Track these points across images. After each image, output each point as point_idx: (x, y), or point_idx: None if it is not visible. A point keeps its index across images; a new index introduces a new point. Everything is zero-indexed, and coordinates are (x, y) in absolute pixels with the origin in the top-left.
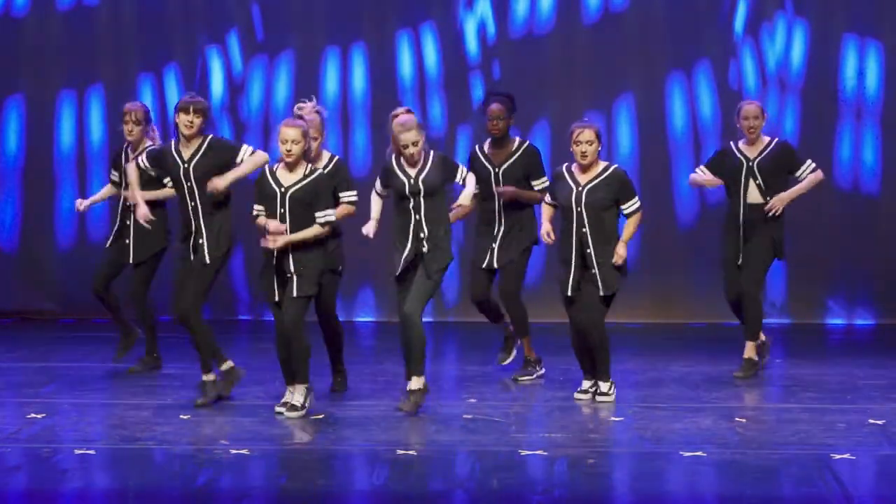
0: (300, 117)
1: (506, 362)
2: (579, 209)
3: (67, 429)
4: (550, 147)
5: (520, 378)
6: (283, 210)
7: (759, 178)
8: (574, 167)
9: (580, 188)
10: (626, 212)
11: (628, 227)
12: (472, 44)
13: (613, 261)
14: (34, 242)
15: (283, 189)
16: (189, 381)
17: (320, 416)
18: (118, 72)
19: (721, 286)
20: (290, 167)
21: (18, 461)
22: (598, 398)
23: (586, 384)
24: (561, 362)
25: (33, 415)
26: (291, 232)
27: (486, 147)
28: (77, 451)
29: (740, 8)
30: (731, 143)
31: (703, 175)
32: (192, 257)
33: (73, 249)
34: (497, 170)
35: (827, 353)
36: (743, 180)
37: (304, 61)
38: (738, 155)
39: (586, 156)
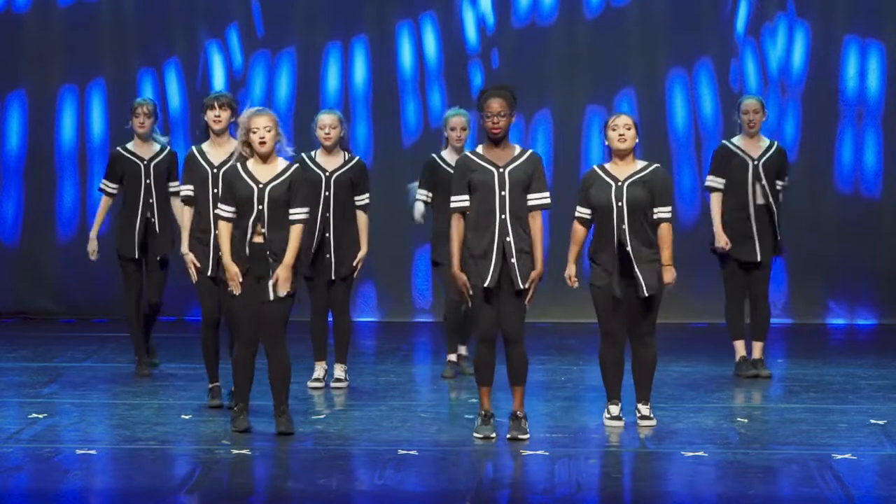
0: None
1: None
2: (619, 204)
3: (69, 429)
4: (552, 138)
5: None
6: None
7: (763, 179)
8: (609, 164)
9: (619, 183)
10: (655, 216)
11: (667, 245)
12: (471, 34)
13: (663, 290)
14: (35, 240)
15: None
16: (190, 381)
17: (321, 416)
18: (119, 68)
19: (721, 287)
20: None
21: (20, 461)
22: (642, 422)
23: (616, 409)
24: (562, 362)
25: (35, 415)
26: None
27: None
28: (78, 451)
29: (741, 8)
30: (727, 141)
31: (718, 221)
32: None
33: (74, 248)
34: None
35: (828, 353)
36: (750, 181)
37: (304, 56)
38: (742, 154)
39: (625, 139)
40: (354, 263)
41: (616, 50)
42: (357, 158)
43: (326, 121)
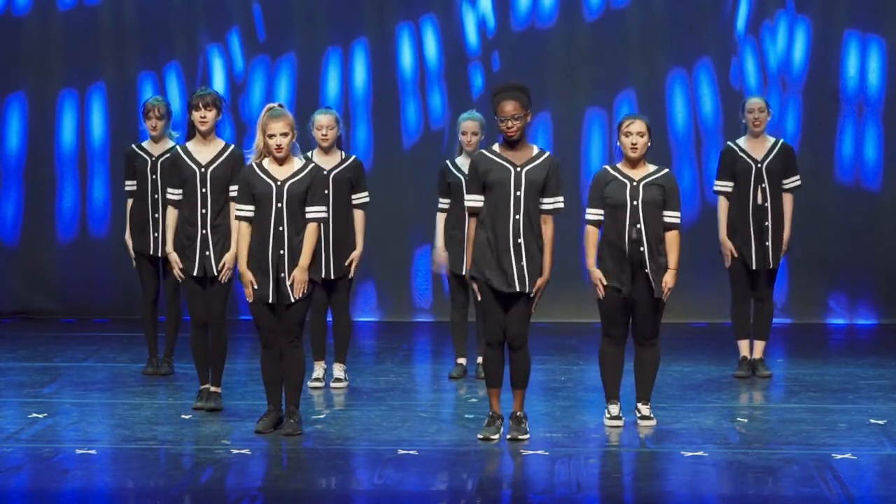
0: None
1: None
2: (635, 203)
3: (69, 428)
4: (553, 140)
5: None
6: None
7: (765, 181)
8: (620, 164)
9: (634, 183)
10: (665, 220)
11: (674, 249)
12: (472, 36)
13: (663, 295)
14: (35, 241)
15: (324, 172)
16: (190, 381)
17: (321, 416)
18: (120, 71)
19: (722, 287)
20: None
21: (20, 461)
22: (642, 422)
23: (615, 409)
24: (562, 362)
25: (35, 414)
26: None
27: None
28: (78, 451)
29: (742, 6)
30: (732, 142)
31: (724, 229)
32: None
33: (74, 248)
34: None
35: (828, 352)
36: (752, 183)
37: (305, 59)
38: (746, 157)
39: (636, 148)
40: (347, 263)
41: (616, 51)
42: (354, 157)
43: (323, 121)
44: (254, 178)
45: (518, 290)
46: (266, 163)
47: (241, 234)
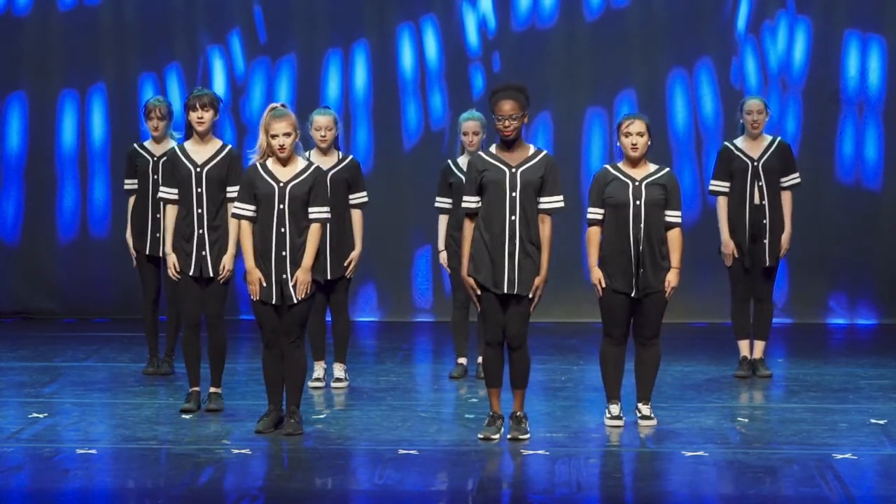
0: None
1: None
2: (637, 203)
3: (69, 428)
4: (553, 141)
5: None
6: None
7: (762, 179)
8: (621, 164)
9: (637, 183)
10: (667, 220)
11: (676, 249)
12: (472, 36)
13: (666, 293)
14: (35, 241)
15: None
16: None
17: (321, 416)
18: (120, 71)
19: (722, 287)
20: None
21: (20, 461)
22: (643, 422)
23: (616, 409)
24: (562, 362)
25: (35, 414)
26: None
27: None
28: (79, 451)
29: (742, 6)
30: (729, 142)
31: (724, 227)
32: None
33: (74, 248)
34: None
35: (829, 352)
36: (749, 182)
37: (305, 60)
38: (742, 156)
39: (637, 148)
40: (346, 263)
41: (616, 51)
42: (351, 157)
43: (322, 122)
44: (257, 179)
45: (511, 292)
46: (270, 163)
47: (244, 233)
